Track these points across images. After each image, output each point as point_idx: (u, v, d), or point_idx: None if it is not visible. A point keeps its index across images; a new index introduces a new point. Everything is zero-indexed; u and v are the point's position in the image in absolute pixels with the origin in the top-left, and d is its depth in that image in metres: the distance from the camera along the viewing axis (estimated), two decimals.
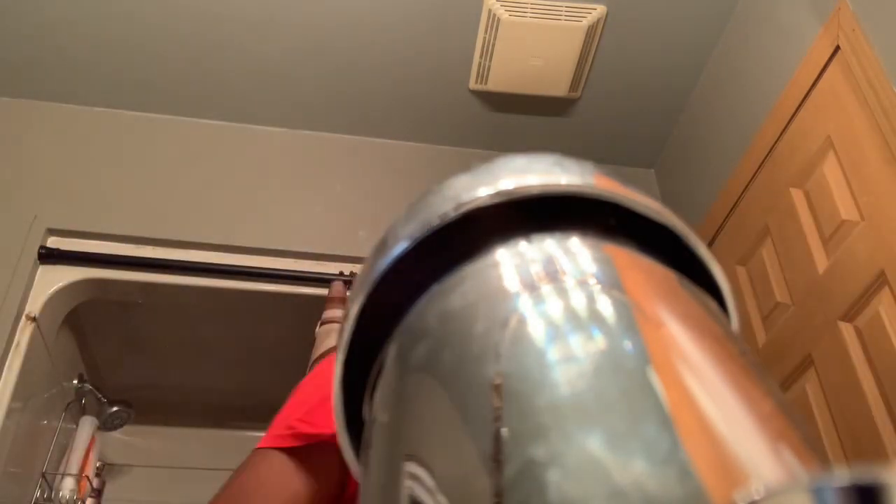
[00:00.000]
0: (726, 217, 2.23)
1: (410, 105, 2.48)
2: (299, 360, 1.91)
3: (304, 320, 2.13)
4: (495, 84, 2.47)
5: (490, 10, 2.24)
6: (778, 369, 1.83)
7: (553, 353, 0.15)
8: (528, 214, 0.20)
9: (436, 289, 0.19)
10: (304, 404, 0.75)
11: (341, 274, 2.16)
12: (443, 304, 0.19)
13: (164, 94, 2.35)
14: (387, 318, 0.20)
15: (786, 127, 1.95)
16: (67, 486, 2.43)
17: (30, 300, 2.06)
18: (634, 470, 0.13)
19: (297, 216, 2.31)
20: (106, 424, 2.66)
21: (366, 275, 0.21)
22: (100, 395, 2.59)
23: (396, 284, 0.20)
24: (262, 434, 0.75)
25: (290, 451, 0.71)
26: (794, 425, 0.16)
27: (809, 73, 1.85)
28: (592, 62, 2.40)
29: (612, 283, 0.18)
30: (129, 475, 2.92)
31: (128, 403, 2.63)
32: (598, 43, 2.34)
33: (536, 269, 0.18)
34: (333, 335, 0.77)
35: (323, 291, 2.12)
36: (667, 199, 2.65)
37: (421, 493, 0.15)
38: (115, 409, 2.63)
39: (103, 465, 2.78)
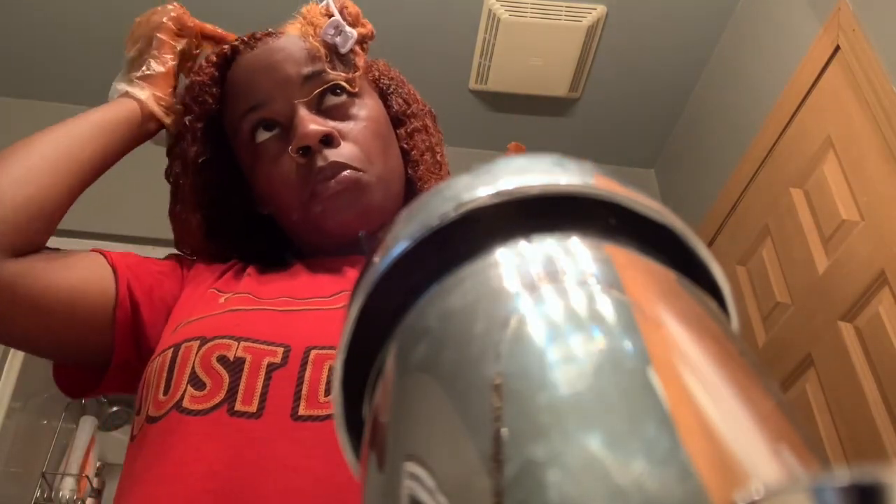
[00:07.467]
0: (726, 217, 2.23)
1: None
2: None
3: None
4: (495, 84, 2.47)
5: (490, 10, 2.24)
6: (778, 369, 1.83)
7: (553, 353, 0.15)
8: (529, 214, 0.20)
9: (436, 289, 0.19)
10: None
11: None
12: (443, 304, 0.19)
13: None
14: (387, 318, 0.20)
15: (786, 127, 1.95)
16: (67, 486, 2.43)
17: None
18: (634, 470, 0.13)
19: None
20: (106, 424, 2.67)
21: (365, 275, 0.21)
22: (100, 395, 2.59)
23: (396, 284, 0.20)
24: None
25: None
26: (794, 425, 0.16)
27: (809, 73, 1.85)
28: (592, 62, 2.41)
29: (612, 283, 0.18)
30: None
31: (128, 403, 2.64)
32: (598, 43, 2.34)
33: (536, 269, 0.18)
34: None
35: None
36: (667, 199, 2.65)
37: (421, 494, 0.15)
38: (115, 409, 2.63)
39: (103, 465, 2.78)
